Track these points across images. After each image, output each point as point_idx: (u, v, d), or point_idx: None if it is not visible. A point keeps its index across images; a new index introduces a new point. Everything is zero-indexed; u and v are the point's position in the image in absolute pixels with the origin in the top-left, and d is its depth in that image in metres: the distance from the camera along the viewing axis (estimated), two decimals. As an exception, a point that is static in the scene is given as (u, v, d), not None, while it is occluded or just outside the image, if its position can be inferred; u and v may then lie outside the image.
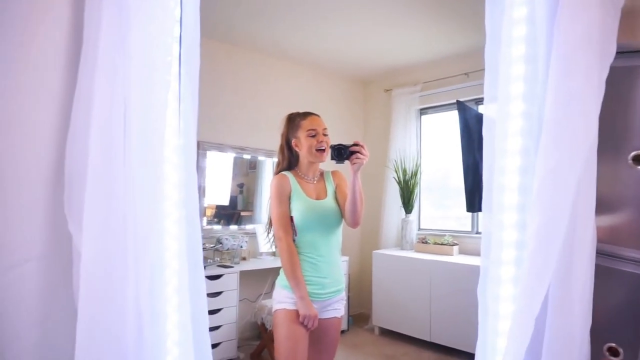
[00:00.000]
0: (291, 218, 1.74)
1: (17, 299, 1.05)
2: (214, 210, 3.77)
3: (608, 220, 1.13)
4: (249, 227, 3.91)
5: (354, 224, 1.76)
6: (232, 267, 3.35)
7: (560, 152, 0.94)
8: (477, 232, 3.93)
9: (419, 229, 4.40)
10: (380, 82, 4.77)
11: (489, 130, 1.12)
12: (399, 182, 4.20)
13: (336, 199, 1.82)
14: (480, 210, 1.32)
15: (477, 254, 3.49)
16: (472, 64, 3.82)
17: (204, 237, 3.33)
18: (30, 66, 1.09)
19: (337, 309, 1.79)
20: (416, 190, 4.19)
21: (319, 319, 1.71)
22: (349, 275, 4.12)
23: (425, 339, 3.60)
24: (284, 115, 1.89)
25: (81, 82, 1.09)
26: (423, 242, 4.00)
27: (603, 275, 1.03)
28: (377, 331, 4.03)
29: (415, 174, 4.17)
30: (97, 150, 1.05)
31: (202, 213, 3.64)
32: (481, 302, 1.13)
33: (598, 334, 1.02)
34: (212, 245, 3.49)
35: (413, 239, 4.16)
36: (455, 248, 3.79)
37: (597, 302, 0.99)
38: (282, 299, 1.72)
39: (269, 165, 4.09)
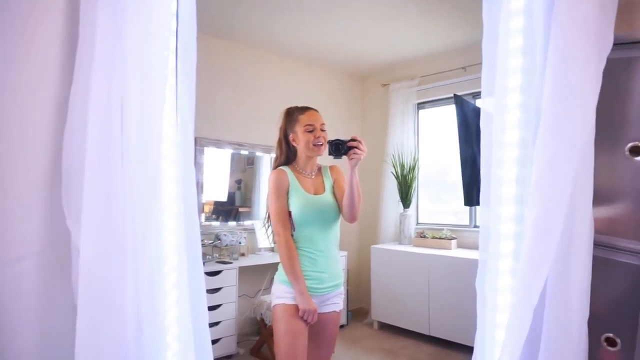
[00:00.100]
0: (289, 213, 1.74)
1: (16, 295, 1.05)
2: (212, 207, 3.77)
3: (605, 211, 1.14)
4: (247, 223, 3.91)
5: (352, 219, 1.76)
6: (230, 263, 3.35)
7: (558, 143, 0.94)
8: (475, 226, 3.95)
9: (417, 223, 4.41)
10: (378, 76, 4.76)
11: (487, 123, 1.12)
12: (396, 177, 4.20)
13: (334, 193, 1.82)
14: (478, 204, 1.32)
15: (475, 247, 3.51)
16: (469, 58, 3.81)
17: (202, 234, 3.33)
18: (28, 64, 1.09)
19: (336, 303, 1.80)
20: (414, 185, 4.20)
21: (318, 313, 1.72)
22: (348, 270, 4.13)
23: (424, 332, 3.62)
24: (282, 110, 1.89)
25: (78, 77, 1.08)
26: (421, 237, 4.01)
27: (600, 266, 1.03)
28: (376, 325, 4.05)
29: (413, 169, 4.17)
30: (95, 146, 1.05)
31: (200, 209, 3.64)
32: (479, 294, 1.14)
33: (595, 324, 1.03)
34: (210, 242, 3.50)
35: (411, 234, 4.17)
36: (454, 242, 3.81)
37: (595, 293, 1.00)
38: (280, 294, 1.72)
39: (266, 161, 4.08)
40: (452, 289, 3.42)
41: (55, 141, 1.11)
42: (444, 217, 4.35)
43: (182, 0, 1.20)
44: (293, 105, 1.88)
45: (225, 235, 3.50)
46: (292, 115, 1.82)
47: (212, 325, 3.08)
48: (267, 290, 3.70)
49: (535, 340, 1.02)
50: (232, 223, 3.83)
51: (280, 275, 1.76)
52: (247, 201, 4.00)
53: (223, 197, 3.85)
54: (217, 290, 3.18)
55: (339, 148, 1.66)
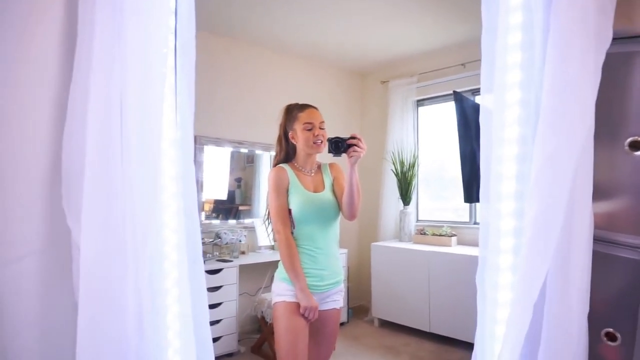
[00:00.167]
0: (289, 211, 1.74)
1: (17, 294, 1.06)
2: (212, 205, 3.77)
3: (605, 206, 1.14)
4: (247, 221, 3.91)
5: (351, 216, 1.76)
6: (231, 261, 3.35)
7: (558, 139, 0.94)
8: (475, 223, 3.95)
9: (417, 220, 4.42)
10: (377, 74, 4.75)
11: (486, 119, 1.12)
12: (396, 174, 4.20)
13: (333, 191, 1.82)
14: (478, 200, 1.32)
15: (476, 244, 3.51)
16: (468, 55, 3.81)
17: (202, 232, 3.33)
18: (28, 63, 1.10)
19: (336, 301, 1.80)
20: (414, 182, 4.20)
21: (318, 310, 1.73)
22: (348, 268, 4.13)
23: (424, 329, 3.62)
24: (282, 107, 1.89)
25: (77, 75, 1.08)
26: (421, 234, 4.01)
27: (600, 261, 1.03)
28: (376, 323, 4.05)
29: (413, 166, 4.17)
30: (94, 144, 1.05)
31: (201, 208, 3.64)
32: (480, 290, 1.14)
33: (596, 319, 1.03)
34: (210, 240, 3.50)
35: (411, 231, 4.17)
36: (454, 239, 3.81)
37: (595, 288, 1.00)
38: (281, 291, 1.72)
39: (266, 159, 4.08)
40: (452, 286, 3.43)
41: (55, 140, 1.11)
42: (444, 214, 4.35)
43: (180, -3, 1.20)
44: (293, 102, 1.88)
45: (225, 233, 3.50)
46: (291, 112, 1.82)
47: (213, 323, 3.09)
48: (268, 288, 3.71)
49: (535, 336, 1.02)
50: (232, 221, 3.84)
51: (281, 273, 1.76)
52: (247, 199, 4.00)
53: (223, 196, 3.85)
54: (217, 288, 3.18)
55: (339, 146, 1.66)
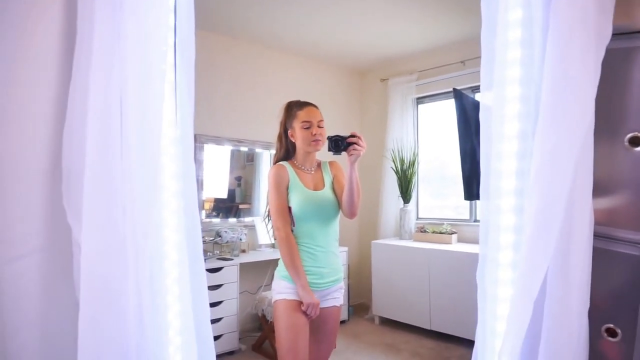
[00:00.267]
0: (289, 208, 1.74)
1: (18, 292, 1.06)
2: (212, 204, 3.77)
3: (605, 202, 1.14)
4: (247, 219, 3.91)
5: (351, 214, 1.77)
6: (231, 259, 3.36)
7: (558, 135, 0.94)
8: (476, 220, 3.95)
9: (417, 218, 4.42)
10: (377, 71, 4.75)
11: (486, 115, 1.12)
12: (396, 172, 4.20)
13: (333, 189, 1.82)
14: (478, 198, 1.32)
15: (476, 242, 3.51)
16: (468, 52, 3.80)
17: (202, 231, 3.33)
18: (27, 62, 1.09)
19: (336, 298, 1.80)
20: (414, 180, 4.20)
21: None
22: (348, 266, 4.14)
23: (425, 327, 3.63)
24: (282, 104, 1.88)
25: (76, 74, 1.08)
26: (422, 231, 4.02)
27: (600, 257, 1.03)
28: (377, 320, 4.06)
29: (413, 164, 4.17)
30: (94, 142, 1.05)
31: (201, 206, 3.64)
32: (480, 287, 1.14)
33: (596, 315, 1.03)
34: (211, 239, 3.50)
35: (411, 229, 4.18)
36: (454, 236, 3.81)
37: (595, 284, 1.00)
38: (281, 289, 1.73)
39: (266, 157, 4.08)
40: (452, 284, 3.43)
41: (55, 138, 1.11)
42: (444, 212, 4.35)
43: (180, -5, 1.20)
44: (294, 99, 1.88)
45: (225, 232, 3.50)
46: (290, 110, 1.82)
47: (213, 321, 3.09)
48: (268, 286, 3.71)
49: (536, 332, 1.02)
50: (232, 220, 3.84)
51: (281, 270, 1.76)
52: (247, 198, 4.00)
53: (223, 194, 3.85)
54: (218, 286, 3.19)
55: (339, 144, 1.66)
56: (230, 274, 3.27)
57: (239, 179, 3.99)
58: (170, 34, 1.19)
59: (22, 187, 1.08)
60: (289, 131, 1.81)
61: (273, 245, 3.83)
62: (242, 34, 3.78)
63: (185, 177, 1.23)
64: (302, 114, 1.76)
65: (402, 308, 3.81)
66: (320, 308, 1.73)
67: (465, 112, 2.94)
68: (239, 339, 3.36)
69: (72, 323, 1.04)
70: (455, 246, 3.68)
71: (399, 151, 4.23)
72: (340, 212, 1.81)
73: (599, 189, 1.02)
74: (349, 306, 4.14)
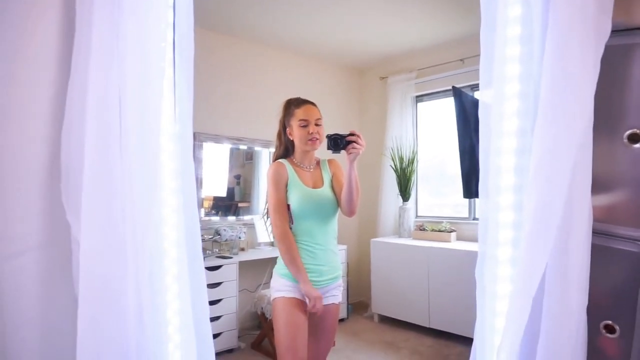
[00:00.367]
0: (288, 206, 1.74)
1: (17, 289, 1.06)
2: (211, 202, 3.77)
3: (604, 199, 1.14)
4: (246, 217, 3.91)
5: (350, 213, 1.77)
6: (230, 257, 3.36)
7: (557, 132, 0.94)
8: (475, 219, 3.95)
9: (417, 216, 4.42)
10: (376, 70, 4.75)
11: (485, 113, 1.12)
12: (395, 170, 4.21)
13: (332, 187, 1.82)
14: (477, 196, 1.32)
15: (475, 240, 3.52)
16: (467, 50, 3.80)
17: (202, 229, 3.32)
18: (26, 60, 1.09)
19: (335, 296, 1.81)
20: (413, 178, 4.20)
21: (318, 305, 1.74)
22: (348, 264, 4.14)
23: (424, 325, 3.63)
24: (281, 102, 1.88)
25: (75, 71, 1.08)
26: (421, 230, 4.02)
27: (599, 254, 1.04)
28: (376, 318, 4.06)
29: (412, 162, 4.17)
30: (93, 139, 1.05)
31: (200, 204, 3.64)
32: (479, 284, 1.14)
33: (594, 312, 1.03)
34: (210, 237, 3.50)
35: (411, 227, 4.18)
36: (453, 234, 3.81)
37: (593, 281, 1.00)
38: (280, 287, 1.73)
39: (265, 155, 4.08)
40: (452, 281, 3.43)
41: (54, 136, 1.11)
42: (443, 210, 4.36)
43: (178, -8, 1.20)
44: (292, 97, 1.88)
45: (224, 230, 3.50)
46: (289, 107, 1.82)
47: (213, 319, 3.09)
48: (267, 284, 3.71)
49: (534, 328, 1.02)
50: (231, 218, 3.84)
51: (279, 268, 1.76)
52: (247, 196, 4.00)
53: (222, 193, 3.85)
54: (217, 285, 3.19)
55: (338, 143, 1.66)
56: (229, 272, 3.27)
57: (238, 177, 3.99)
58: (169, 31, 1.19)
59: (21, 184, 1.08)
60: (287, 129, 1.81)
61: (272, 244, 3.83)
62: (241, 33, 3.77)
63: (184, 174, 1.23)
64: (299, 112, 1.76)
65: (401, 306, 3.82)
66: (319, 306, 1.74)
67: (464, 110, 2.95)
68: (238, 337, 3.36)
69: (71, 320, 1.04)
70: (455, 244, 3.68)
71: (398, 149, 4.23)
72: (339, 210, 1.81)
73: (597, 186, 1.02)
74: (348, 304, 4.14)
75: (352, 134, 1.66)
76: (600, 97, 0.95)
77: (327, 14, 3.37)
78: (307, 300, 1.68)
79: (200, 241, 1.28)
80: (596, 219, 1.02)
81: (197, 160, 3.56)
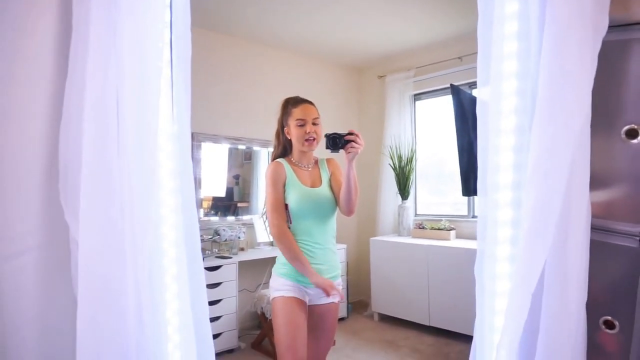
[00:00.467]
0: (286, 205, 1.74)
1: (17, 289, 1.06)
2: (210, 202, 3.77)
3: (602, 195, 1.14)
4: (246, 217, 3.91)
5: (349, 212, 1.76)
6: (230, 257, 3.35)
7: (554, 128, 0.94)
8: (474, 216, 3.95)
9: (416, 214, 4.42)
10: (374, 68, 4.75)
11: (483, 110, 1.12)
12: (394, 169, 4.21)
13: (331, 186, 1.82)
14: (476, 194, 1.32)
15: (474, 237, 3.52)
16: (465, 48, 3.81)
17: (201, 229, 3.32)
18: (24, 60, 1.09)
19: (334, 295, 1.80)
20: (412, 176, 4.20)
21: (316, 305, 1.74)
22: (347, 263, 4.14)
23: (424, 323, 3.63)
24: (280, 101, 1.88)
25: (73, 70, 1.08)
26: (420, 228, 4.02)
27: (598, 249, 1.04)
28: (376, 317, 4.06)
29: (411, 160, 4.17)
30: (91, 139, 1.04)
31: (199, 205, 3.63)
32: (478, 281, 1.14)
33: (594, 308, 1.04)
34: (209, 237, 3.50)
35: (410, 225, 4.18)
36: (452, 233, 3.82)
37: (592, 277, 1.00)
38: (279, 286, 1.73)
39: (264, 155, 4.08)
40: (451, 279, 3.44)
41: (52, 135, 1.11)
42: (443, 208, 4.36)
43: (175, -9, 1.20)
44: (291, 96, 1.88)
45: (224, 230, 3.50)
46: (287, 107, 1.82)
47: (212, 320, 3.09)
48: (267, 284, 3.70)
49: (534, 325, 1.02)
50: (230, 218, 3.83)
51: (278, 268, 1.76)
52: (246, 196, 4.00)
53: (221, 193, 3.85)
54: (217, 285, 3.18)
55: (336, 142, 1.66)
56: (229, 272, 3.27)
57: (237, 177, 3.99)
58: (167, 30, 1.18)
59: (19, 184, 1.08)
60: (285, 128, 1.81)
61: (272, 243, 3.83)
62: (240, 32, 3.77)
63: (182, 174, 1.23)
64: (296, 112, 1.76)
65: (401, 304, 3.82)
66: (319, 305, 1.74)
67: (462, 108, 2.95)
68: (238, 337, 3.36)
69: (70, 320, 1.04)
70: (454, 242, 3.69)
71: (396, 148, 4.23)
72: (338, 209, 1.81)
73: (596, 182, 1.02)
74: (348, 303, 4.14)
75: (350, 133, 1.65)
76: (597, 93, 0.95)
77: (325, 13, 3.37)
78: (306, 300, 1.68)
79: (200, 241, 1.28)
80: (594, 215, 1.02)
81: (195, 160, 3.55)
